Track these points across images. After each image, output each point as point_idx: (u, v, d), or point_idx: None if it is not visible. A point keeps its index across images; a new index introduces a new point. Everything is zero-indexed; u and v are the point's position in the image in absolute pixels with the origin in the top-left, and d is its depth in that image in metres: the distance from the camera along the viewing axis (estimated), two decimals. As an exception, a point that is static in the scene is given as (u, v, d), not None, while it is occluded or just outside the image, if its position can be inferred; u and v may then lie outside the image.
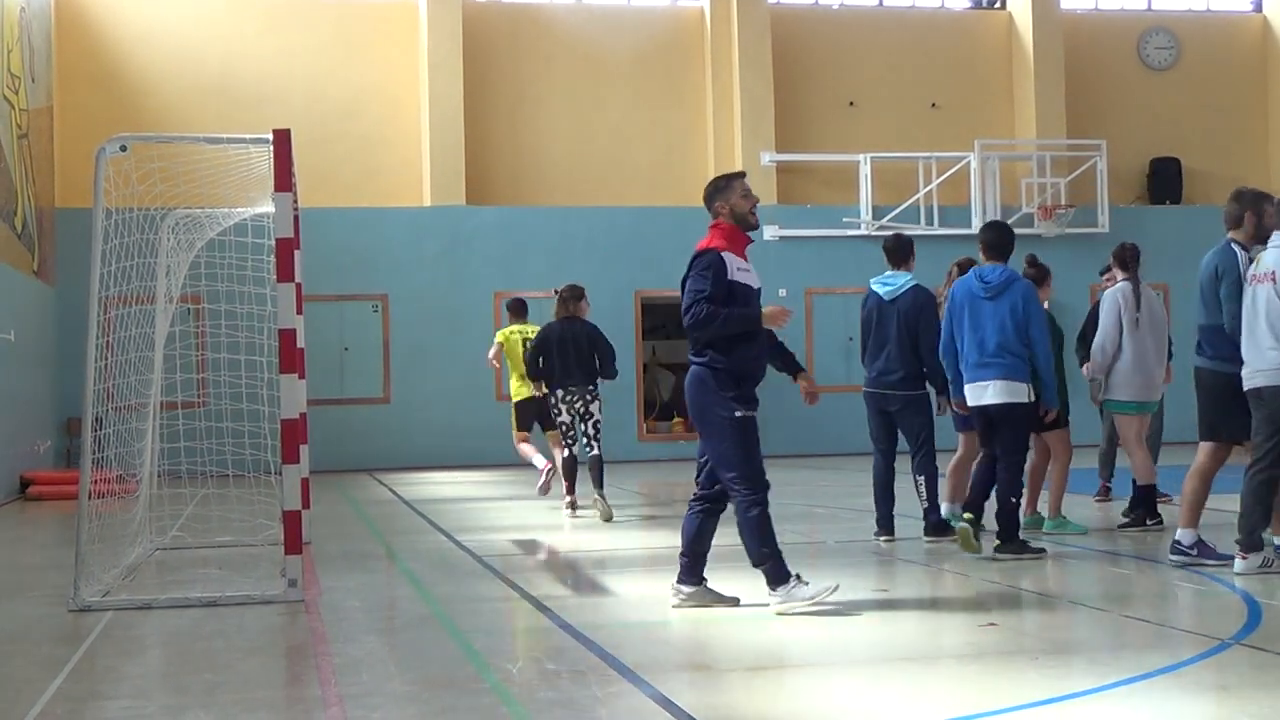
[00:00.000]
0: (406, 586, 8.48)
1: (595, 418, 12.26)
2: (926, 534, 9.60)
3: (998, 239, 9.00)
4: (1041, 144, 22.49)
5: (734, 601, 7.04)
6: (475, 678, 5.61)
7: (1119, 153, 23.01)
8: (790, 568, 6.93)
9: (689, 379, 7.02)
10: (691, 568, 7.10)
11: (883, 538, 9.73)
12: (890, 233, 10.17)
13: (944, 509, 9.85)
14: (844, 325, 21.66)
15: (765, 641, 6.37)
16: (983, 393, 8.81)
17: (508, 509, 13.45)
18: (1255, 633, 6.17)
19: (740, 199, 7.04)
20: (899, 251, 9.86)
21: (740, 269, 6.94)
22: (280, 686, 5.84)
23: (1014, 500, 8.75)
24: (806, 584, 6.85)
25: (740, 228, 7.04)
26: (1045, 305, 9.74)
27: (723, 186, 7.11)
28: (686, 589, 7.08)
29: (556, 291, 12.75)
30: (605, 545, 10.43)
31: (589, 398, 12.24)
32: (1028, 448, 9.03)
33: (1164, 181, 23.36)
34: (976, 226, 21.85)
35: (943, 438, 9.78)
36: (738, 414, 6.85)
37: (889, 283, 9.80)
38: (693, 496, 7.19)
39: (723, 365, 6.87)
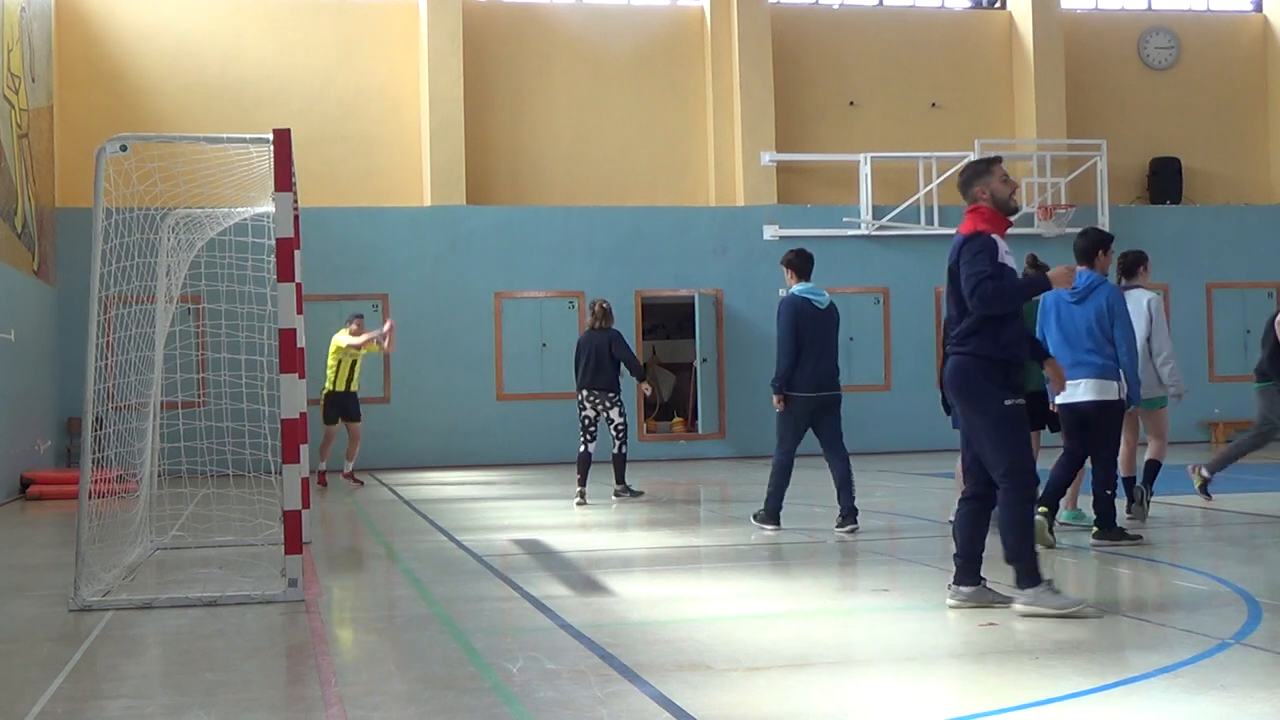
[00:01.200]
0: (407, 586, 8.48)
1: (615, 421, 13.46)
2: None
3: (1082, 244, 9.54)
4: (1041, 144, 22.50)
5: (1009, 601, 6.83)
6: (475, 678, 5.61)
7: (1119, 152, 23.02)
8: (1044, 572, 6.79)
9: (950, 370, 6.91)
10: (968, 568, 6.92)
11: (770, 527, 10.60)
12: (793, 249, 10.94)
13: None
14: (845, 325, 21.58)
15: (765, 641, 6.37)
16: (1075, 390, 9.20)
17: (508, 509, 13.45)
18: (1255, 633, 6.17)
19: (1000, 184, 6.96)
20: (808, 264, 10.69)
21: (1006, 252, 6.88)
22: (280, 686, 5.84)
23: (1109, 493, 9.20)
24: (1057, 593, 6.71)
25: (1001, 213, 6.97)
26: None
27: (982, 171, 7.01)
28: (965, 589, 6.90)
29: (593, 305, 13.90)
30: (605, 545, 10.44)
31: (608, 402, 13.44)
32: (1119, 442, 9.41)
33: (1164, 181, 23.36)
34: (977, 226, 21.91)
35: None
36: (1006, 402, 6.74)
37: (819, 295, 10.56)
38: (962, 495, 7.05)
39: (988, 353, 6.78)
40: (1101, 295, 9.25)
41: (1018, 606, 6.73)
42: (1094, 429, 9.28)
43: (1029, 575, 6.72)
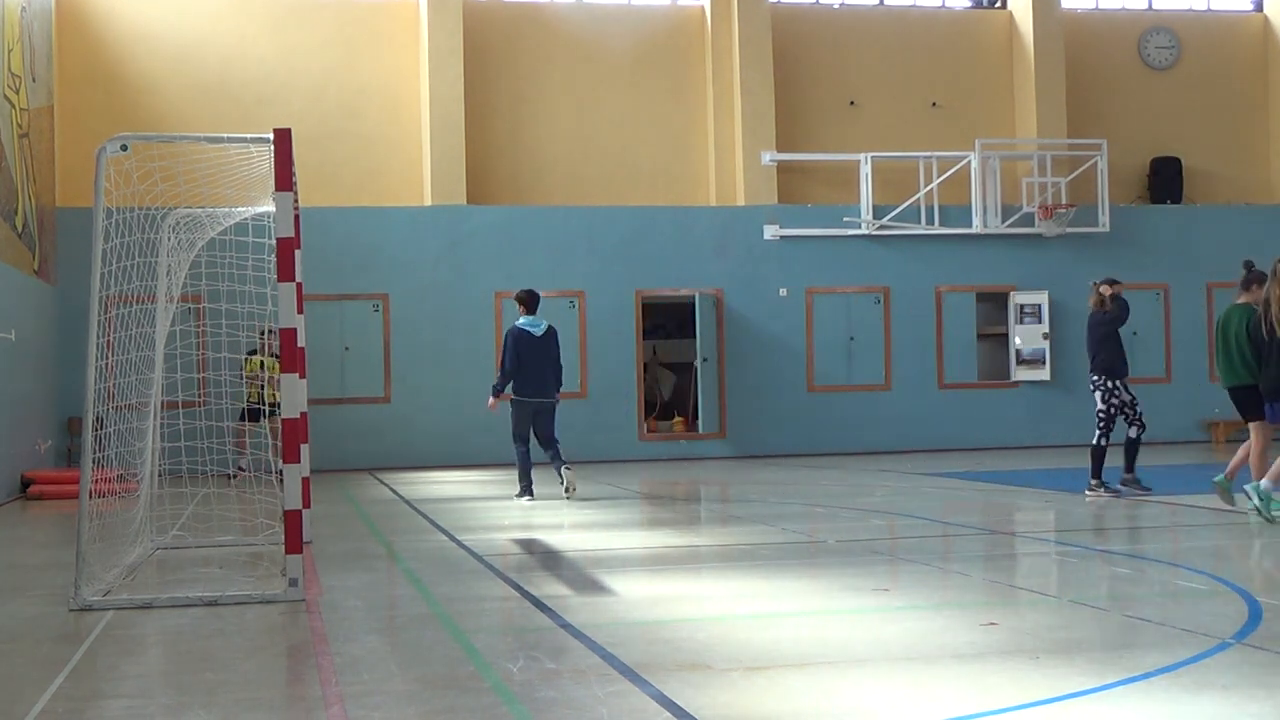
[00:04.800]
0: (407, 586, 8.49)
1: (1098, 406, 12.97)
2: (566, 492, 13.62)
3: None
4: (1042, 143, 22.50)
5: None
6: (476, 677, 5.62)
7: (1119, 152, 23.02)
8: None
9: None
10: None
11: (526, 498, 13.62)
12: (524, 289, 14.07)
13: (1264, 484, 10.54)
14: (845, 325, 21.68)
15: (765, 641, 6.37)
16: None
17: (508, 508, 13.45)
18: (1255, 633, 6.17)
19: None
20: (534, 301, 13.86)
21: None
22: (281, 686, 5.84)
23: None
24: None
25: None
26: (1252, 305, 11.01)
27: None
28: None
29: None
30: (605, 545, 10.44)
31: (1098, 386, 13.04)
32: None
33: (1164, 181, 23.36)
34: (977, 226, 21.94)
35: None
36: None
37: (536, 325, 13.70)
38: None
39: None
40: None
41: None
42: None
43: None
